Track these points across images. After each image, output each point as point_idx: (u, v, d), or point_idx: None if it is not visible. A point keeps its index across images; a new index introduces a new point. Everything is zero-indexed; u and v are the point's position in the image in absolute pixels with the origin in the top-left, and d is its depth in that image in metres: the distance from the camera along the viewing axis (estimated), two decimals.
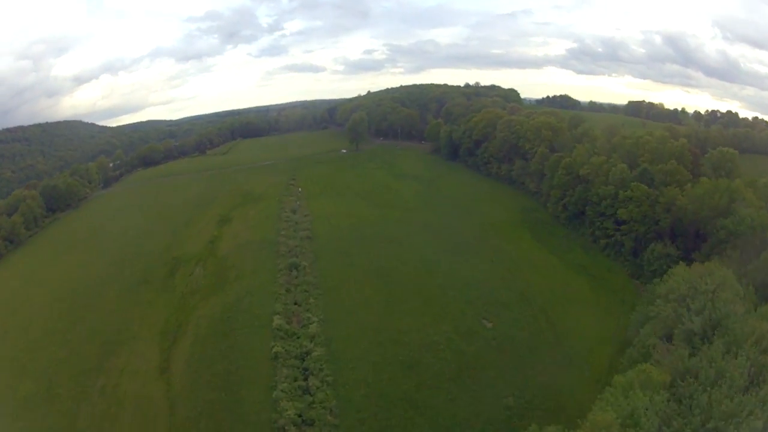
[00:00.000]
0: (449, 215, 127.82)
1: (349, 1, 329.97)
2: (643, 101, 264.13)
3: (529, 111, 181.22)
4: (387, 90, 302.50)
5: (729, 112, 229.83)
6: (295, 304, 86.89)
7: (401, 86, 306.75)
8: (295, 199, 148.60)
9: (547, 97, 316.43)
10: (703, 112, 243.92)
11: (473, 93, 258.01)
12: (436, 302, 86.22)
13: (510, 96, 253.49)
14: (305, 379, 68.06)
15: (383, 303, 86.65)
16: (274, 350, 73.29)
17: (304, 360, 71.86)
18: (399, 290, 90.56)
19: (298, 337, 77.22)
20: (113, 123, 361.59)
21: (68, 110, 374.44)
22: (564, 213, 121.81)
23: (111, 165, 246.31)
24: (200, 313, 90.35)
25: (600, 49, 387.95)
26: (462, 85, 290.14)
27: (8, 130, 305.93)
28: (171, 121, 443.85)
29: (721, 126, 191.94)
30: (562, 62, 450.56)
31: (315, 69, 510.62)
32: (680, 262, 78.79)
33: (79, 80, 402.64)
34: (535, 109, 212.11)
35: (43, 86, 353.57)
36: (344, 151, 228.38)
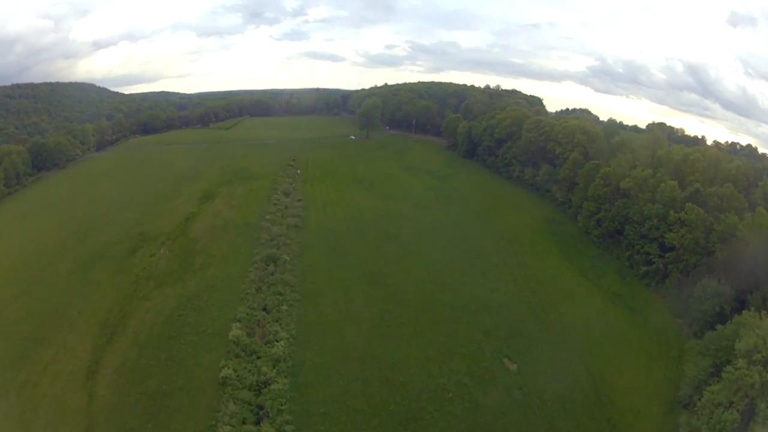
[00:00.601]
0: (464, 218, 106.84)
1: None
2: (664, 124, 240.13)
3: (557, 115, 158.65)
4: (405, 84, 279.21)
5: (749, 145, 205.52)
6: (264, 309, 66.31)
7: (420, 81, 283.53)
8: (290, 182, 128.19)
9: (567, 109, 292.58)
10: (722, 142, 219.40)
11: (495, 93, 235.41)
12: (443, 328, 65.44)
13: (533, 101, 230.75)
14: (257, 422, 47.32)
15: (376, 321, 66.14)
16: (222, 373, 52.52)
17: (259, 393, 51.02)
18: (397, 306, 69.99)
19: (258, 358, 56.62)
20: (127, 90, 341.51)
21: (84, 74, 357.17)
22: (597, 230, 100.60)
23: (110, 129, 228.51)
24: (150, 305, 71.43)
25: (620, 70, 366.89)
26: (482, 86, 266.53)
27: (18, 86, 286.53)
28: (183, 94, 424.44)
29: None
30: (582, 79, 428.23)
31: (335, 58, 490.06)
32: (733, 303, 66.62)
33: (98, 45, 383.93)
34: (560, 116, 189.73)
35: (61, 48, 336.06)
36: (353, 137, 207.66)
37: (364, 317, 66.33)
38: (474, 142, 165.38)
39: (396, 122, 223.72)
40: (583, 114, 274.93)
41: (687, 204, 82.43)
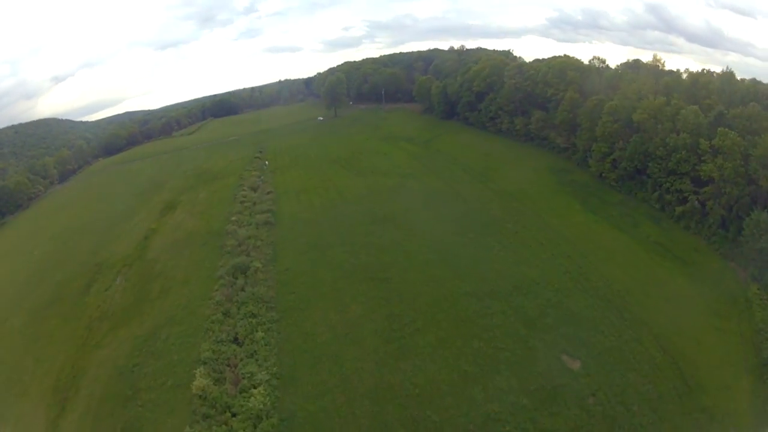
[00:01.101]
0: (459, 182, 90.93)
1: None
2: (639, 60, 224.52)
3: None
4: (367, 58, 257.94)
5: (726, 71, 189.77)
6: (235, 341, 49.47)
7: (382, 55, 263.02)
8: (258, 175, 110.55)
9: (536, 59, 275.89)
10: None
11: (462, 52, 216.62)
12: (472, 327, 48.96)
13: (503, 54, 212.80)
14: None
15: (382, 333, 49.50)
16: None
17: None
18: (406, 306, 53.33)
19: (232, 415, 40.03)
20: (93, 118, 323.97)
21: (47, 109, 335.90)
22: (614, 172, 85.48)
23: (72, 158, 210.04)
24: (103, 355, 55.73)
25: (580, 17, 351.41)
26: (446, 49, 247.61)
27: None
28: (148, 110, 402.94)
29: None
30: (543, 31, 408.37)
31: (293, 49, 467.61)
32: None
33: (57, 79, 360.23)
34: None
35: (21, 89, 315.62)
36: (321, 118, 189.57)
37: (365, 331, 49.61)
38: (451, 101, 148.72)
39: (364, 96, 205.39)
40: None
41: (719, 129, 67.52)
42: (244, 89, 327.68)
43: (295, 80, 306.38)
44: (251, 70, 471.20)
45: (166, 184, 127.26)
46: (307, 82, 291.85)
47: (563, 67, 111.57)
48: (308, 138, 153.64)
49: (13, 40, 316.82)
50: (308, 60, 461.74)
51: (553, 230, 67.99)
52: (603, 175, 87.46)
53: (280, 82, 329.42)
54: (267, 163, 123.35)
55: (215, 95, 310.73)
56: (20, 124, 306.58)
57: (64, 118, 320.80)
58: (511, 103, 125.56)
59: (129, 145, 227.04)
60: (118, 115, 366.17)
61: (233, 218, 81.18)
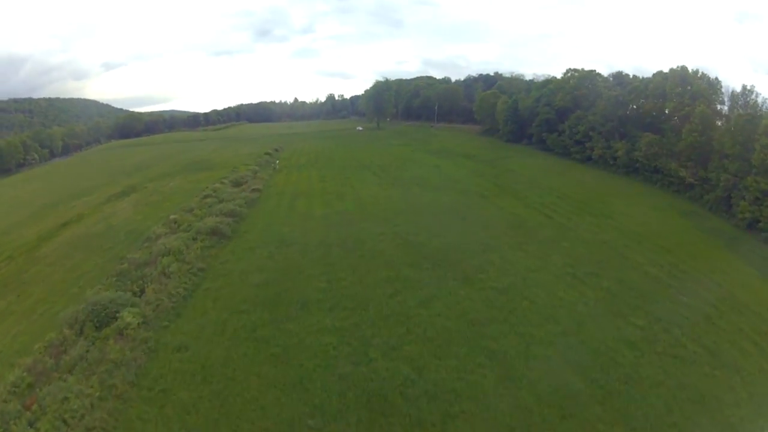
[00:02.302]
0: (559, 211, 52.70)
1: (383, 9, 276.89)
2: None
3: None
4: (420, 77, 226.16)
5: None
6: None
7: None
8: (255, 170, 76.03)
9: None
10: None
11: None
12: None
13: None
14: None
15: None
16: None
17: None
18: None
19: None
20: (139, 110, 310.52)
21: (95, 95, 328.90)
22: None
23: (85, 133, 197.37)
24: None
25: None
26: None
27: (15, 100, 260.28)
28: (191, 112, 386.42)
29: None
30: None
31: (345, 75, 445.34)
32: None
33: (108, 66, 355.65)
34: None
35: (70, 68, 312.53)
36: (360, 128, 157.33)
37: None
38: (522, 120, 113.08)
39: (413, 112, 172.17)
40: None
41: None
42: (286, 101, 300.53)
43: (340, 97, 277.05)
44: (301, 87, 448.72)
45: (152, 168, 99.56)
46: (353, 99, 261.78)
47: (686, 75, 76.72)
48: (338, 143, 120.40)
49: (68, 18, 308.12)
50: (360, 88, 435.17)
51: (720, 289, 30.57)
52: (760, 224, 50.44)
53: (326, 97, 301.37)
54: (277, 161, 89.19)
55: (255, 103, 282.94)
56: (57, 98, 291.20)
57: (104, 102, 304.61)
58: (608, 123, 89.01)
59: (147, 132, 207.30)
60: (164, 111, 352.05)
61: (173, 216, 46.25)
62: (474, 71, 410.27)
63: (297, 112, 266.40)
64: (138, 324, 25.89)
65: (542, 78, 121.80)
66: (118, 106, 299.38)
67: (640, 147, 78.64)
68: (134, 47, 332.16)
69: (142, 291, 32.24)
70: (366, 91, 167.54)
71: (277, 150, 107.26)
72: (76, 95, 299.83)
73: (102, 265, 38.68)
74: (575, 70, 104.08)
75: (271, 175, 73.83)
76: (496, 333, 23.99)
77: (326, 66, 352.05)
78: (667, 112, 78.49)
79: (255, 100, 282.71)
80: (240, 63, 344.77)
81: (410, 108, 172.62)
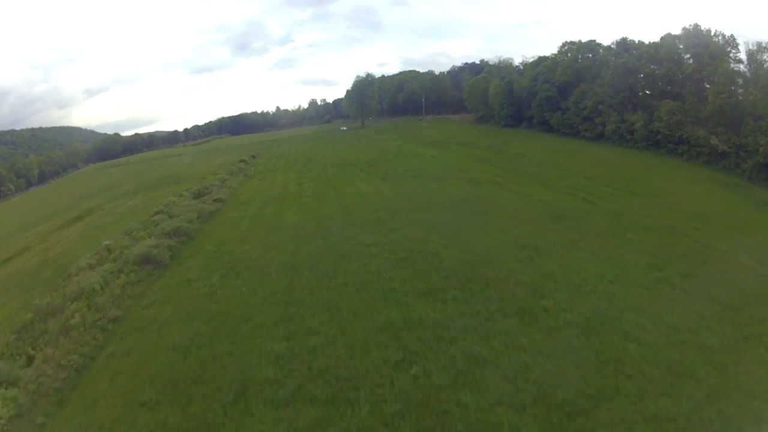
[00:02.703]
0: (601, 194, 40.66)
1: (361, 13, 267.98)
2: None
3: None
4: (403, 71, 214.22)
5: None
6: None
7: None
8: (224, 178, 64.50)
9: None
10: None
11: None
12: None
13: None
14: None
15: None
16: None
17: None
18: None
19: None
20: (126, 134, 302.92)
21: (80, 121, 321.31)
22: None
23: (64, 159, 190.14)
24: None
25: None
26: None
27: None
28: (177, 131, 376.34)
29: None
30: None
31: (328, 83, 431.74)
32: None
33: (90, 92, 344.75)
34: None
35: (53, 97, 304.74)
36: (344, 128, 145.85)
37: None
38: (519, 103, 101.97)
39: (398, 108, 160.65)
40: None
41: None
42: (268, 110, 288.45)
43: (322, 101, 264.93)
44: (283, 96, 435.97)
45: (114, 189, 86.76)
46: (336, 103, 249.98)
47: (700, 34, 67.25)
48: (321, 144, 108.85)
49: (47, 47, 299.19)
50: (343, 93, 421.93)
51: None
52: None
53: (308, 103, 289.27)
54: (252, 168, 77.67)
55: (236, 115, 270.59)
56: (39, 128, 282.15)
57: (87, 128, 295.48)
58: (618, 94, 78.43)
59: (126, 153, 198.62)
60: (149, 132, 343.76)
61: (107, 242, 34.66)
62: (457, 64, 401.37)
63: (279, 120, 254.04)
64: (9, 417, 15.07)
65: (533, 59, 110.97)
66: (103, 131, 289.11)
67: (660, 116, 67.97)
68: (115, 71, 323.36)
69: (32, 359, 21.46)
70: (348, 91, 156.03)
71: (254, 156, 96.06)
72: (60, 124, 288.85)
73: (13, 315, 27.52)
74: (572, 43, 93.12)
75: (242, 182, 62.29)
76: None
77: (308, 74, 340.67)
78: (681, 76, 68.38)
79: (235, 113, 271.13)
80: (221, 78, 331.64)
81: (395, 104, 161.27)
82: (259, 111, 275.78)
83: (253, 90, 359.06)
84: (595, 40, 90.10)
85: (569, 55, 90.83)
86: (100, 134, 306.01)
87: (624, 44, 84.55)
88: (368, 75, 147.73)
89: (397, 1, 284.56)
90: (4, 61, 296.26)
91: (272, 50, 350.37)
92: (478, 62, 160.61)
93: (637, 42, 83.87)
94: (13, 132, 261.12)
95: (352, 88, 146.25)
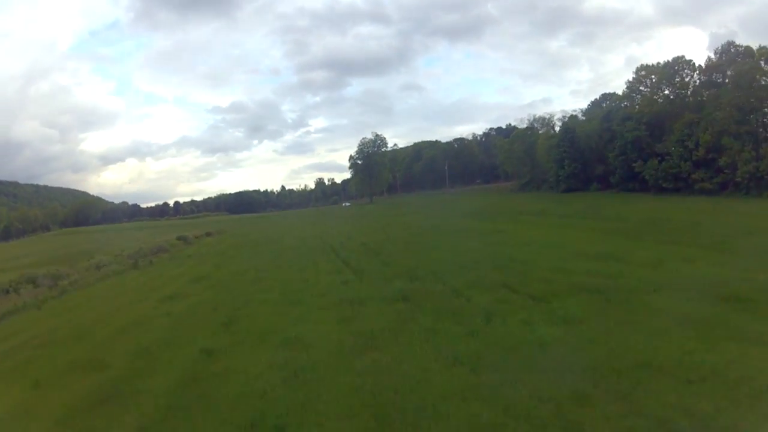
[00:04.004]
0: None
1: (372, 97, 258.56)
2: None
3: None
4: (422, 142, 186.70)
5: None
6: None
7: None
8: (119, 263, 32.81)
9: None
10: None
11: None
12: None
13: None
14: None
15: None
16: None
17: None
18: None
19: None
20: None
21: (94, 189, 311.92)
22: None
23: (39, 218, 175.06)
24: None
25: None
26: None
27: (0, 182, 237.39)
28: (166, 204, 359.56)
29: None
30: None
31: (340, 168, 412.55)
32: None
33: (105, 160, 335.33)
34: None
35: (69, 160, 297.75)
36: (347, 204, 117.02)
37: None
38: (585, 157, 72.36)
39: (414, 181, 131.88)
40: None
41: None
42: (273, 189, 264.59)
43: (330, 181, 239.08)
44: (293, 179, 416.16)
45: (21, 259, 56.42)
46: (345, 183, 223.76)
47: None
48: (306, 221, 78.91)
49: (65, 107, 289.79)
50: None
51: None
52: None
53: (315, 183, 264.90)
54: (184, 251, 47.06)
55: (236, 192, 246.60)
56: (45, 186, 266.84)
57: (95, 194, 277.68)
58: (748, 118, 48.94)
59: (105, 220, 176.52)
60: (137, 203, 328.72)
61: None
62: None
63: (284, 200, 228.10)
64: None
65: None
66: (111, 201, 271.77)
67: None
68: (131, 143, 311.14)
69: None
70: (351, 157, 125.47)
71: (208, 234, 65.88)
72: (74, 187, 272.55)
73: None
74: (651, 67, 64.95)
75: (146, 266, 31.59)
76: None
77: (320, 160, 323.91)
78: None
79: (237, 190, 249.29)
80: (236, 160, 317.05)
81: (410, 176, 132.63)
82: (262, 189, 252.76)
83: (265, 172, 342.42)
84: (683, 56, 61.83)
85: (652, 79, 62.53)
86: (107, 202, 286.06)
87: (728, 50, 55.70)
88: (377, 137, 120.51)
89: (408, 86, 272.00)
90: (21, 114, 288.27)
91: (286, 134, 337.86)
92: (504, 126, 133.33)
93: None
94: (16, 185, 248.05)
95: (357, 152, 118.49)
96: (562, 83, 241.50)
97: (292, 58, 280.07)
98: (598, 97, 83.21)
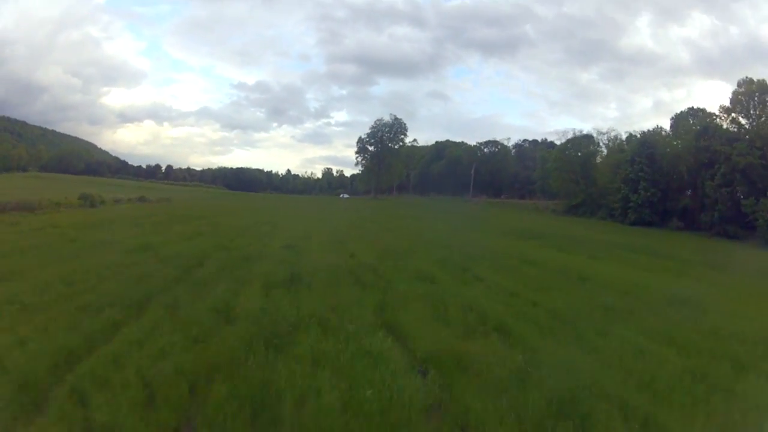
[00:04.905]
0: None
1: (398, 99, 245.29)
2: None
3: None
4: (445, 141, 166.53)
5: None
6: None
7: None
8: None
9: None
10: None
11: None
12: None
13: None
14: None
15: None
16: None
17: None
18: None
19: None
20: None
21: (108, 144, 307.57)
22: None
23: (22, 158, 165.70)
24: None
25: None
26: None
27: (7, 119, 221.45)
28: (158, 166, 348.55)
29: None
30: None
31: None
32: None
33: (123, 117, 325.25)
34: None
35: (87, 111, 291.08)
36: (345, 195, 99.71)
37: None
38: (665, 184, 53.82)
39: (431, 182, 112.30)
40: None
41: None
42: (278, 171, 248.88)
43: (338, 173, 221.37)
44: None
45: None
46: (354, 178, 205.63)
47: None
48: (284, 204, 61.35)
49: (90, 59, 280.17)
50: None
51: None
52: None
53: (322, 172, 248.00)
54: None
55: (236, 168, 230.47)
56: (53, 131, 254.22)
57: (103, 148, 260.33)
58: None
59: (87, 172, 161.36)
60: (124, 161, 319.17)
61: None
62: None
63: (286, 184, 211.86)
64: None
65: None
66: (132, 163, 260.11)
67: None
68: (150, 103, 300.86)
69: None
70: (361, 139, 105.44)
71: (142, 199, 48.10)
72: (92, 140, 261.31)
73: None
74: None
75: None
76: None
77: (336, 153, 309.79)
78: None
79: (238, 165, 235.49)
80: (253, 140, 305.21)
81: (427, 177, 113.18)
82: (265, 170, 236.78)
83: (279, 156, 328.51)
84: None
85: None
86: (111, 156, 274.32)
87: None
88: (396, 121, 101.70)
89: (434, 93, 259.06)
90: (46, 58, 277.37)
91: (306, 122, 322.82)
92: (539, 140, 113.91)
93: None
94: (23, 124, 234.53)
95: (369, 135, 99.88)
96: (586, 116, 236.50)
97: (324, 47, 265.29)
98: (682, 110, 64.55)
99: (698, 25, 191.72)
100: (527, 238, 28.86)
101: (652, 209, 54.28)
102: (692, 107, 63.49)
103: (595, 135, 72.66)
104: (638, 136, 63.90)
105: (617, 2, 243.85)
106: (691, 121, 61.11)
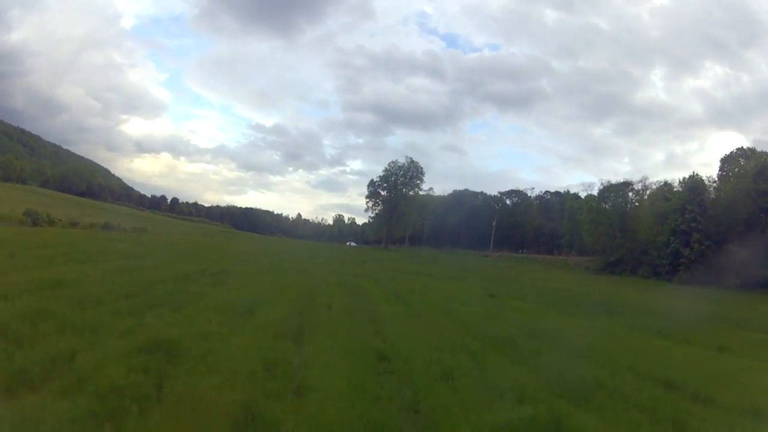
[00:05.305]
0: None
1: (413, 151, 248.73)
2: None
3: None
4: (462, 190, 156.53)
5: None
6: None
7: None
8: None
9: None
10: None
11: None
12: None
13: None
14: None
15: None
16: None
17: None
18: None
19: None
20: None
21: (124, 173, 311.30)
22: None
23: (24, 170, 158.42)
24: None
25: None
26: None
27: (21, 130, 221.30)
28: (164, 197, 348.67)
29: None
30: None
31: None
32: None
33: (141, 147, 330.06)
34: None
35: (105, 136, 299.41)
36: (353, 243, 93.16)
37: None
38: (720, 237, 45.62)
39: (445, 236, 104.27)
40: None
41: None
42: (288, 215, 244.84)
43: (350, 220, 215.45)
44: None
45: None
46: (365, 227, 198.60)
47: None
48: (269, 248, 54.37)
49: (112, 84, 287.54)
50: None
51: None
52: None
53: (333, 219, 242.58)
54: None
55: (245, 207, 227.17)
56: (67, 150, 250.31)
57: (115, 173, 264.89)
58: None
59: (88, 195, 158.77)
60: (127, 188, 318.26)
61: None
62: None
63: (295, 229, 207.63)
64: None
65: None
66: (141, 191, 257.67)
67: None
68: (168, 136, 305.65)
69: None
70: (372, 183, 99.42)
71: (106, 225, 41.44)
72: (107, 167, 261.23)
73: None
74: None
75: None
76: None
77: (350, 202, 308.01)
78: None
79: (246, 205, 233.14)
80: (268, 182, 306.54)
81: (443, 227, 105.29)
82: (276, 212, 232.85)
83: (293, 201, 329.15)
84: None
85: None
86: (117, 182, 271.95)
87: None
88: (412, 164, 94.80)
89: (450, 146, 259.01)
90: (67, 77, 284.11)
91: (322, 168, 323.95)
92: (561, 191, 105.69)
93: None
94: (37, 139, 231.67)
95: (382, 179, 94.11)
96: (599, 171, 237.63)
97: (342, 94, 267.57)
98: (732, 150, 56.85)
99: (711, 75, 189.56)
100: (593, 314, 19.27)
101: (704, 264, 45.62)
102: (741, 147, 56.49)
103: (633, 182, 65.85)
104: (679, 180, 56.70)
105: (632, 55, 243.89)
106: (742, 161, 53.62)
